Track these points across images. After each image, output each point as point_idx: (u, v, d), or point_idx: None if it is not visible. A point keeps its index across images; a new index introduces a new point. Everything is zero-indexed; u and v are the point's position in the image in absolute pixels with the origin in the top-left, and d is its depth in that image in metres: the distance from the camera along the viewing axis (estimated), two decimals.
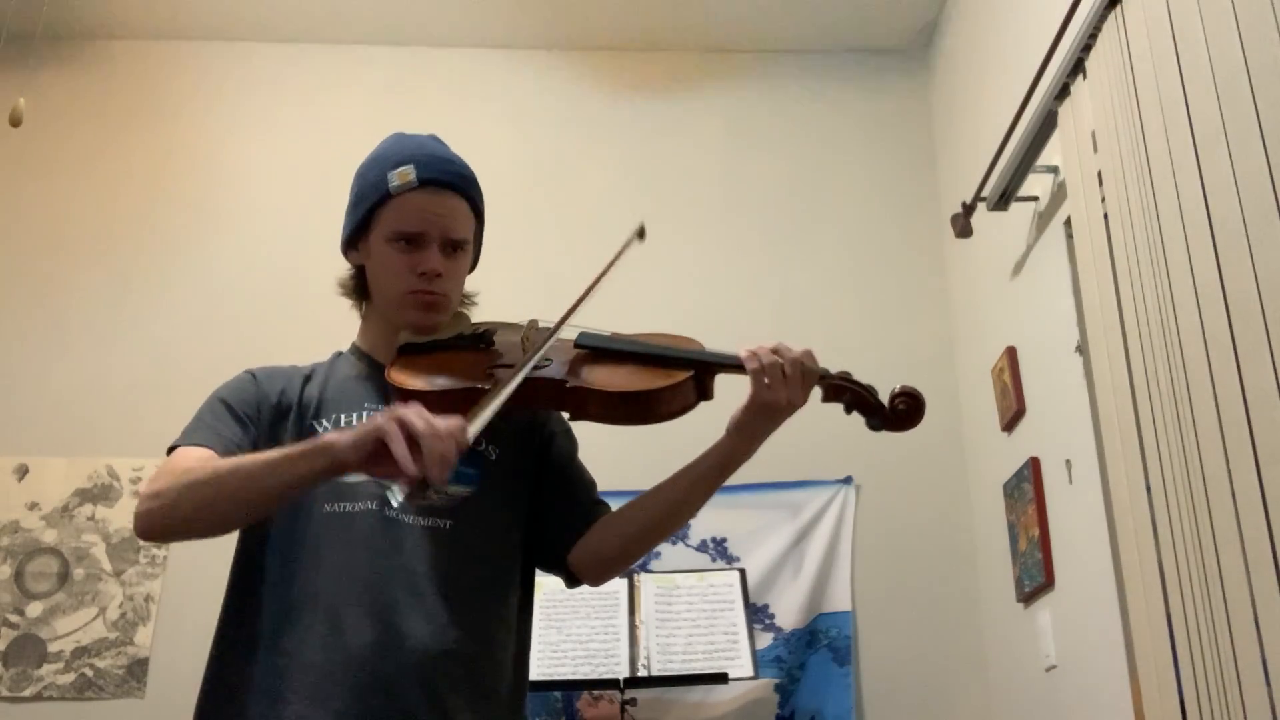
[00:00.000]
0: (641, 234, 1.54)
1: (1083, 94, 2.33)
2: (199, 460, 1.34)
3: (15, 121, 2.71)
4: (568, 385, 1.40)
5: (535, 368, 1.38)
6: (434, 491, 1.18)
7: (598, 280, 1.45)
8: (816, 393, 1.40)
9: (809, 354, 1.38)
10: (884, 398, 1.39)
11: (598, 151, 3.84)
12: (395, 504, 1.15)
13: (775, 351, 1.36)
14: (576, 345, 1.46)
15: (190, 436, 1.41)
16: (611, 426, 1.42)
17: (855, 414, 1.41)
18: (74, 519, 3.31)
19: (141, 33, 3.88)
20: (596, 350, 1.45)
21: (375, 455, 1.18)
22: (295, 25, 3.86)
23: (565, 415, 1.51)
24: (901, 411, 1.39)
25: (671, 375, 1.39)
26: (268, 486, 1.27)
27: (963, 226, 3.08)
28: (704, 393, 1.42)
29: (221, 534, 1.36)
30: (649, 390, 1.38)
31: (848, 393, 1.40)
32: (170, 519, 1.30)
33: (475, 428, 1.21)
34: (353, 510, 1.39)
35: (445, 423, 1.17)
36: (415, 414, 1.17)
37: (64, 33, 3.80)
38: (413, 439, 1.15)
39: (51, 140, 3.74)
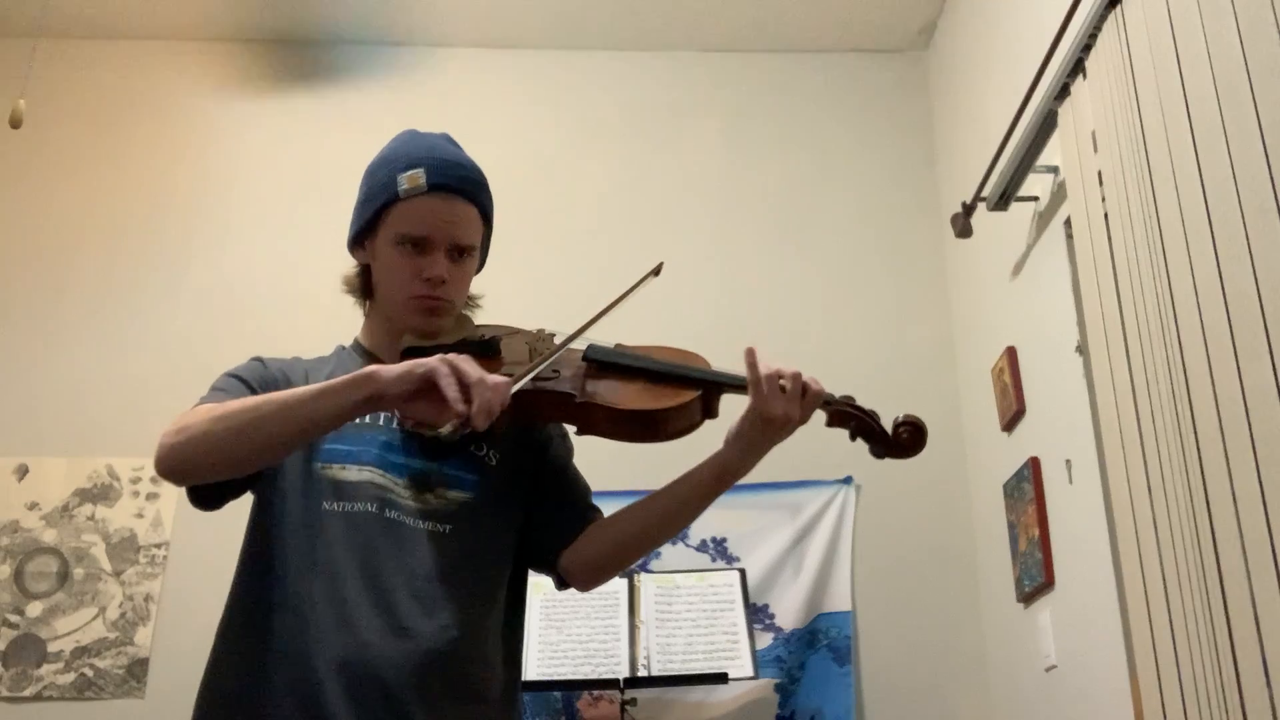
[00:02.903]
0: (657, 271, 1.56)
1: (1083, 94, 2.33)
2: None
3: (15, 122, 2.70)
4: (577, 400, 1.40)
5: (543, 379, 1.39)
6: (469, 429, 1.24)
7: (610, 307, 1.46)
8: (820, 416, 1.41)
9: (814, 379, 1.38)
10: (886, 424, 1.40)
11: (596, 151, 3.84)
12: (444, 433, 1.22)
13: (777, 366, 1.37)
14: (585, 358, 1.46)
15: (205, 401, 1.39)
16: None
17: (860, 441, 1.42)
18: (74, 519, 3.31)
19: (141, 33, 3.88)
20: (605, 364, 1.45)
21: (416, 394, 1.24)
22: (294, 25, 3.86)
23: (572, 430, 1.52)
24: (905, 439, 1.40)
25: (680, 394, 1.39)
26: (302, 416, 1.26)
27: (963, 226, 3.07)
28: (709, 411, 1.43)
29: (246, 470, 1.34)
30: (658, 409, 1.38)
31: (853, 419, 1.40)
32: (199, 449, 1.27)
33: (517, 386, 1.30)
34: (353, 510, 1.39)
35: (493, 376, 1.25)
36: (466, 362, 1.24)
37: (64, 33, 3.80)
38: (463, 384, 1.22)
39: (51, 140, 3.74)
